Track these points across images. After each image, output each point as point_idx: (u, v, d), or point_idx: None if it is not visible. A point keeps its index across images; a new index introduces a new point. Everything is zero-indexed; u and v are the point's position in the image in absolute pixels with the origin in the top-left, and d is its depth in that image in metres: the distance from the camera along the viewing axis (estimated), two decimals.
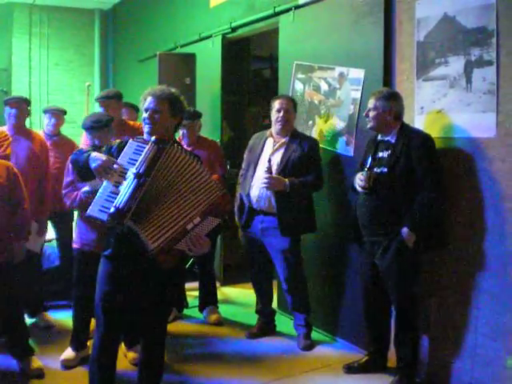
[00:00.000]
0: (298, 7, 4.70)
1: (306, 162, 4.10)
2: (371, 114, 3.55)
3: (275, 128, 4.20)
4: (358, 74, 4.12)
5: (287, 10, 4.80)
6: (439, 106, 3.60)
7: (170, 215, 2.73)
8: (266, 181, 4.01)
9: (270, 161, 4.11)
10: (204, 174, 2.81)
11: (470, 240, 3.47)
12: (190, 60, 5.75)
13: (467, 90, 3.43)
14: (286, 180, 4.02)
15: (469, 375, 3.50)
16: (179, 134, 4.59)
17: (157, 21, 7.20)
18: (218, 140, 5.45)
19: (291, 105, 4.18)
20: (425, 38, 3.68)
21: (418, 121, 3.70)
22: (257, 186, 4.14)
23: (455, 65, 3.49)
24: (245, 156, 4.45)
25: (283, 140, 4.18)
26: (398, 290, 3.54)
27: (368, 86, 4.01)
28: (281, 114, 4.13)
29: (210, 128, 5.51)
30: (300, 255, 4.26)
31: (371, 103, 3.57)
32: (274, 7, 4.93)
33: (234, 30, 5.61)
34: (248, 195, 4.21)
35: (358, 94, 4.11)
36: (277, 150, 4.17)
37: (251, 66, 6.61)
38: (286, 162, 4.09)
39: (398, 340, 3.64)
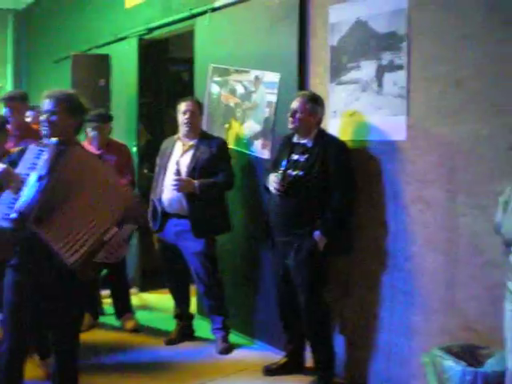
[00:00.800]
0: (214, 10, 4.69)
1: (216, 162, 4.09)
2: (297, 115, 3.54)
3: (182, 131, 4.20)
4: (273, 77, 4.14)
5: (203, 13, 4.78)
6: (352, 110, 3.66)
7: (84, 226, 2.65)
8: (175, 183, 3.99)
9: (178, 163, 4.09)
10: (113, 179, 2.74)
11: (383, 241, 3.54)
12: (104, 61, 5.66)
13: (379, 94, 3.50)
14: (196, 182, 4.00)
15: (385, 373, 3.58)
16: (89, 136, 4.49)
17: (72, 21, 7.01)
18: (135, 143, 5.36)
19: (196, 107, 4.19)
20: (338, 43, 3.74)
21: (332, 124, 3.75)
22: (168, 190, 4.10)
23: (367, 69, 3.56)
24: (156, 161, 4.40)
25: (191, 142, 4.17)
26: (307, 291, 3.57)
27: (283, 89, 4.04)
28: (186, 116, 4.13)
29: (126, 131, 5.42)
30: (215, 257, 4.25)
31: (298, 105, 3.55)
32: (191, 9, 4.90)
33: (150, 31, 5.54)
34: (160, 199, 4.16)
35: (273, 98, 4.13)
36: (185, 152, 4.16)
37: (170, 68, 6.53)
38: (195, 164, 4.08)
39: (311, 340, 3.69)
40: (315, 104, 3.56)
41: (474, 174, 3.07)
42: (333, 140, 3.57)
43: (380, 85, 3.49)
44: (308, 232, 3.48)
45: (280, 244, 3.65)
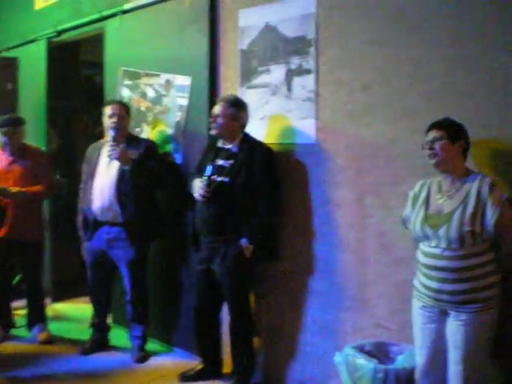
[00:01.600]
0: (124, 12, 4.62)
1: (145, 161, 3.96)
2: (219, 120, 3.48)
3: (109, 135, 4.05)
4: (184, 81, 4.11)
5: (113, 15, 4.70)
6: (262, 113, 3.69)
7: None
8: (110, 149, 3.83)
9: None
10: None
11: (295, 242, 3.59)
12: (12, 64, 5.46)
13: (288, 98, 3.54)
14: (132, 156, 3.89)
15: (301, 373, 3.62)
16: (1, 142, 4.33)
17: None
18: (44, 148, 5.19)
19: (124, 110, 4.06)
20: (248, 47, 3.76)
21: None
22: (99, 198, 3.99)
23: (277, 73, 3.60)
24: (83, 168, 4.26)
25: (121, 145, 4.00)
26: (234, 297, 3.57)
27: (194, 93, 4.03)
28: (113, 119, 3.98)
29: (35, 136, 5.24)
30: (145, 265, 4.18)
31: (220, 110, 3.49)
32: (100, 12, 4.81)
33: (59, 33, 5.39)
34: (90, 208, 4.05)
35: (184, 101, 4.11)
36: None
37: (81, 71, 6.38)
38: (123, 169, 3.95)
39: (233, 345, 3.66)
40: (238, 109, 3.51)
41: (380, 175, 3.16)
42: (259, 145, 3.54)
43: (289, 88, 3.53)
44: (234, 238, 3.46)
45: (206, 249, 3.61)
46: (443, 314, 2.63)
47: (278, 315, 3.72)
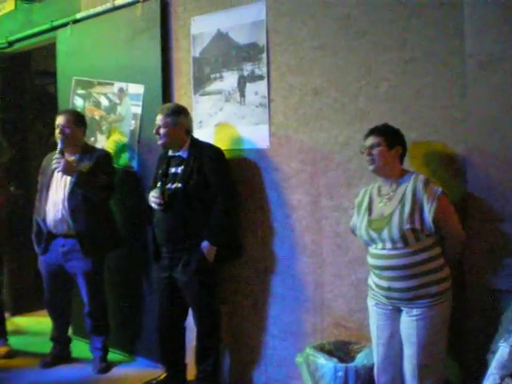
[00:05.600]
0: (75, 21, 4.59)
1: (95, 173, 3.93)
2: (162, 131, 3.48)
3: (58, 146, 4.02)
4: (137, 89, 4.11)
5: (65, 25, 4.67)
6: (216, 120, 3.72)
7: None
8: (55, 161, 3.80)
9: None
10: None
11: (253, 246, 3.62)
12: None
13: (241, 104, 3.58)
14: (79, 169, 3.87)
15: (264, 376, 3.65)
16: None
17: None
18: None
19: (71, 120, 3.99)
20: (200, 54, 3.78)
21: (198, 134, 3.76)
22: (53, 211, 3.96)
23: (229, 79, 3.63)
24: (39, 179, 4.20)
25: (73, 158, 3.99)
26: (199, 303, 3.58)
27: (148, 101, 4.03)
28: (58, 130, 3.95)
29: None
30: (102, 276, 4.15)
31: (160, 120, 3.50)
32: (52, 21, 4.77)
33: (10, 44, 5.33)
34: (44, 220, 4.00)
35: (138, 110, 4.11)
36: None
37: (34, 81, 6.30)
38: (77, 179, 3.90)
39: (199, 352, 3.66)
40: (176, 115, 3.51)
41: (333, 178, 3.22)
42: (207, 147, 3.56)
43: (242, 95, 3.57)
44: (194, 244, 3.46)
45: (167, 259, 3.60)
46: (396, 311, 2.68)
47: (239, 319, 3.75)
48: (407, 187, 2.63)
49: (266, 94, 3.46)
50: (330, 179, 3.23)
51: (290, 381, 3.49)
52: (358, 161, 3.09)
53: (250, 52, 3.53)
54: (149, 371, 4.03)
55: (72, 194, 3.91)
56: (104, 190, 3.97)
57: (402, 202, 2.62)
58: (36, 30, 4.99)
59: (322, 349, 3.04)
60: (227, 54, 3.64)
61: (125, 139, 4.24)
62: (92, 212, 3.94)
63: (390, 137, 2.70)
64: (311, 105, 3.29)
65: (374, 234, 2.67)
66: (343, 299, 3.24)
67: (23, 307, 5.54)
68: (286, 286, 3.50)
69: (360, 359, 2.95)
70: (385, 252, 2.63)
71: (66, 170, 3.82)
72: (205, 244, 3.44)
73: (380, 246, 2.66)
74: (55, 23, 4.76)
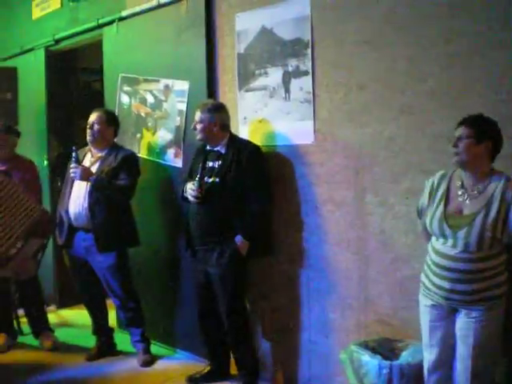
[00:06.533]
0: (121, 19, 4.65)
1: (118, 172, 4.01)
2: (198, 126, 3.58)
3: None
4: (182, 85, 4.14)
5: (111, 22, 4.74)
6: (261, 116, 3.72)
7: None
8: (72, 170, 3.92)
9: None
10: (19, 193, 2.66)
11: (297, 242, 3.62)
12: (10, 74, 5.50)
13: (286, 100, 3.57)
14: (94, 173, 3.96)
15: (308, 373, 3.65)
16: None
17: None
18: (46, 157, 5.24)
19: (103, 118, 4.10)
20: (245, 50, 3.79)
21: (242, 130, 3.81)
22: (74, 204, 4.04)
23: (274, 75, 3.63)
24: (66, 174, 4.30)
25: (100, 154, 4.12)
26: (229, 297, 3.59)
27: (193, 97, 4.05)
28: (88, 127, 4.10)
29: (36, 145, 5.28)
30: (127, 269, 4.21)
31: (197, 116, 3.59)
32: (98, 19, 4.84)
33: (57, 42, 5.44)
34: (66, 212, 4.08)
35: (183, 106, 4.14)
36: (93, 164, 4.10)
37: (80, 78, 6.42)
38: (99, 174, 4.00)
39: (233, 347, 3.71)
40: (212, 112, 3.57)
41: (378, 173, 3.19)
42: (245, 144, 3.61)
43: (287, 91, 3.56)
44: (229, 238, 3.50)
45: (201, 252, 3.65)
46: (452, 312, 2.60)
47: (281, 315, 3.75)
48: (495, 190, 2.46)
49: (311, 90, 3.45)
50: (375, 175, 3.20)
51: (333, 377, 3.48)
52: (404, 156, 3.06)
53: (295, 47, 3.52)
54: (192, 364, 4.09)
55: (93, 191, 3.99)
56: (122, 191, 4.03)
57: (488, 205, 2.46)
58: (82, 27, 5.07)
59: (366, 346, 3.02)
60: (272, 49, 3.64)
61: (170, 136, 4.27)
62: (110, 209, 4.00)
63: (480, 129, 2.47)
64: (356, 100, 3.26)
65: (448, 230, 2.52)
66: (388, 296, 3.21)
67: (69, 300, 5.63)
68: (329, 283, 3.49)
69: (405, 357, 2.92)
70: (453, 253, 2.51)
71: (83, 177, 3.92)
72: (238, 238, 3.49)
73: (450, 243, 2.52)
74: (101, 21, 4.83)
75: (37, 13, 5.75)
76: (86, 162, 4.13)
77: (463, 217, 2.51)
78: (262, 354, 3.84)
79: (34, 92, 5.54)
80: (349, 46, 3.28)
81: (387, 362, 2.83)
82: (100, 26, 4.87)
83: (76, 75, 6.30)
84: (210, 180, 3.55)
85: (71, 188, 4.10)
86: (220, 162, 3.57)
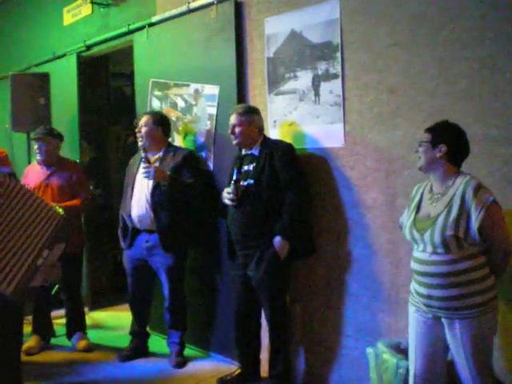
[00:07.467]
0: (151, 25, 4.70)
1: (181, 172, 4.04)
2: (237, 129, 3.59)
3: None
4: (212, 90, 4.18)
5: (141, 28, 4.80)
6: (290, 119, 3.73)
7: (15, 254, 2.56)
8: (144, 170, 3.95)
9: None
10: (38, 200, 2.67)
11: (327, 245, 3.62)
12: (43, 80, 5.60)
13: (316, 103, 3.58)
14: (167, 172, 3.97)
15: (337, 375, 3.64)
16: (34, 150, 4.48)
17: (9, 40, 6.88)
18: (78, 161, 5.31)
19: (151, 120, 4.14)
20: (274, 54, 3.80)
21: (272, 134, 3.82)
22: (137, 206, 4.10)
23: (304, 79, 3.64)
24: (125, 177, 4.39)
25: (157, 156, 4.15)
26: (271, 301, 3.59)
27: (223, 101, 4.09)
28: (137, 130, 4.16)
29: (69, 149, 5.35)
30: (183, 273, 4.24)
31: (235, 119, 3.60)
32: (128, 25, 4.91)
33: (88, 48, 5.52)
34: (129, 216, 4.15)
35: (213, 110, 4.17)
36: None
37: (111, 83, 6.52)
38: None
39: (271, 350, 3.69)
40: (249, 114, 3.60)
41: (409, 176, 3.17)
42: (277, 143, 3.62)
43: (317, 94, 3.57)
44: (267, 241, 3.49)
45: (241, 256, 3.66)
46: (437, 320, 2.59)
47: (313, 318, 3.75)
48: (457, 191, 2.51)
49: (341, 93, 3.45)
50: (406, 178, 3.19)
51: (363, 381, 3.45)
52: None
53: (324, 51, 3.52)
54: (223, 367, 4.11)
55: (155, 191, 4.03)
56: (191, 190, 4.06)
57: (449, 205, 2.51)
58: (113, 33, 5.15)
59: (397, 347, 3.02)
60: (301, 53, 3.65)
61: (201, 140, 4.31)
62: (174, 209, 4.04)
63: (436, 134, 2.59)
64: (386, 103, 3.25)
65: (416, 234, 2.59)
66: None
67: (101, 303, 5.73)
68: (360, 286, 3.48)
69: None
70: (425, 257, 2.55)
71: (157, 178, 3.94)
72: (277, 239, 3.46)
73: (421, 247, 2.57)
74: (132, 27, 4.90)
75: (68, 19, 5.85)
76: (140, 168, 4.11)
77: (428, 219, 2.57)
78: (294, 357, 3.84)
79: (66, 97, 5.63)
80: (379, 49, 3.28)
81: (405, 362, 2.83)
82: (130, 32, 4.94)
83: (107, 80, 6.41)
84: (245, 183, 3.57)
85: (132, 191, 4.17)
86: (254, 164, 3.59)
